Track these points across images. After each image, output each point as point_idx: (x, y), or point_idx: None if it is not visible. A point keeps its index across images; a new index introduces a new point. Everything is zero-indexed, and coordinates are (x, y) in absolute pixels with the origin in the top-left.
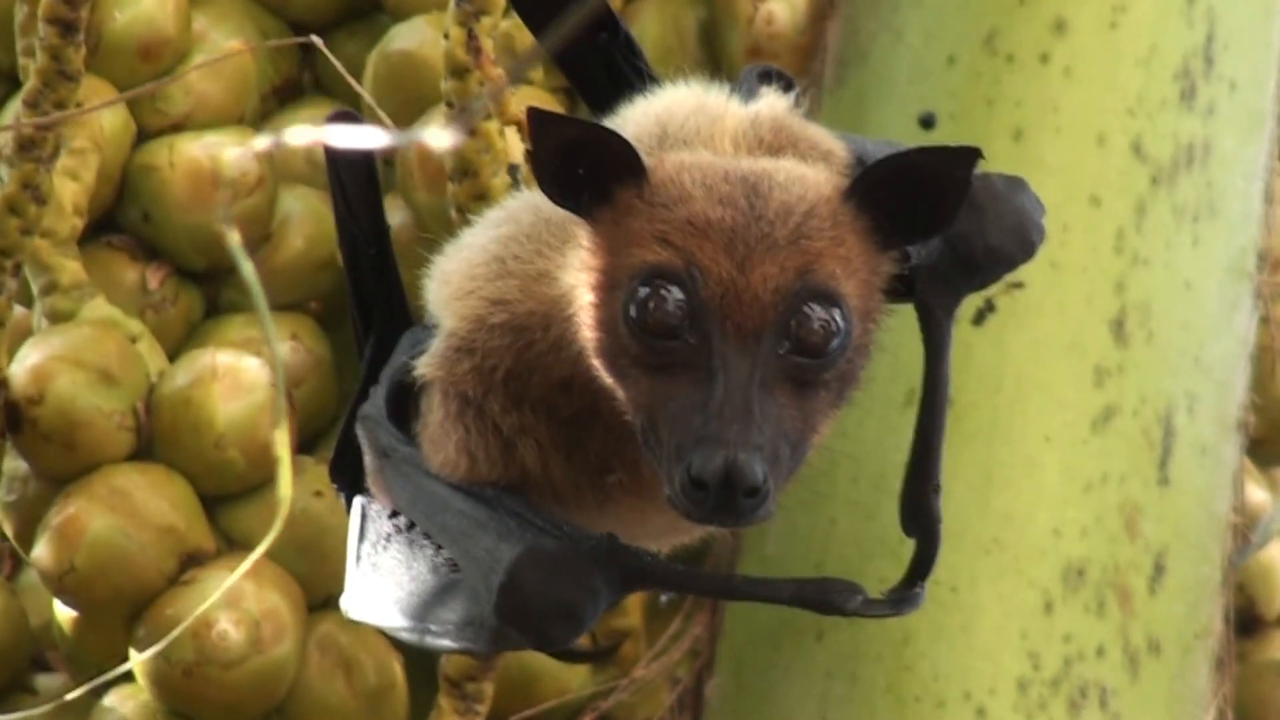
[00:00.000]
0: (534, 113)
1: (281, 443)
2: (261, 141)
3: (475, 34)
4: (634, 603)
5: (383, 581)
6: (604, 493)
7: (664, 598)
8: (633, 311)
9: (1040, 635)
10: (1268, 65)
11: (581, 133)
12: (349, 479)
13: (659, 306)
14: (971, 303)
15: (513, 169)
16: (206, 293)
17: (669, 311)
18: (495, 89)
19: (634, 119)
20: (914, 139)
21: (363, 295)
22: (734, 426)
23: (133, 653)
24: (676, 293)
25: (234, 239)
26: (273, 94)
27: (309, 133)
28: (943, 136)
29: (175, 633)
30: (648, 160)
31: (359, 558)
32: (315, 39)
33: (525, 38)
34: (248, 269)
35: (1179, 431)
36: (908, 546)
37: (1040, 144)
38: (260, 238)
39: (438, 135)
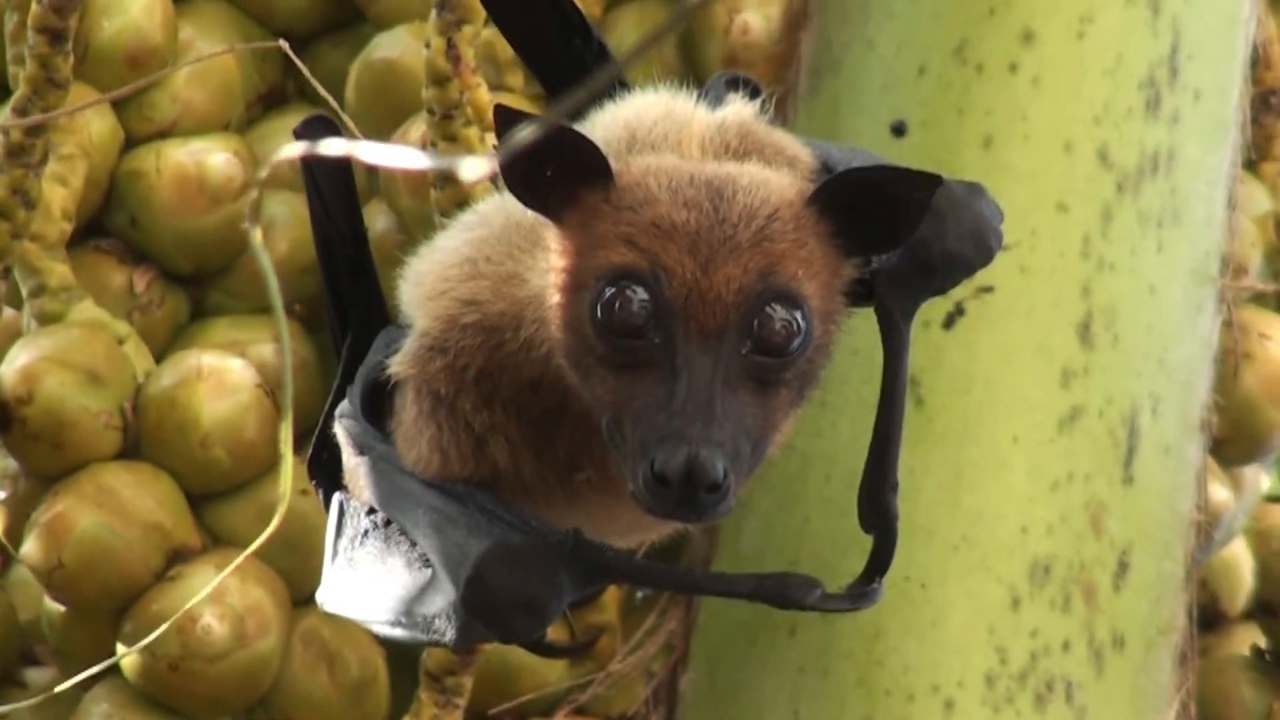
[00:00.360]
0: (501, 111)
1: (285, 439)
2: (293, 149)
3: (455, 43)
4: (610, 599)
5: (358, 575)
6: (572, 489)
7: (640, 594)
8: (599, 312)
9: (1007, 630)
10: (1231, 75)
11: (549, 136)
12: (327, 476)
13: (624, 307)
14: (942, 306)
15: (494, 176)
16: (192, 296)
17: (634, 312)
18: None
19: (603, 124)
20: (886, 146)
21: (339, 296)
22: (696, 424)
23: (120, 648)
24: (641, 293)
25: (257, 239)
26: (257, 101)
27: (340, 145)
28: (914, 144)
29: (161, 629)
30: (614, 164)
31: (336, 552)
32: (283, 43)
33: (505, 46)
34: (267, 266)
35: (1143, 432)
36: None
37: (1009, 151)
38: (245, 241)
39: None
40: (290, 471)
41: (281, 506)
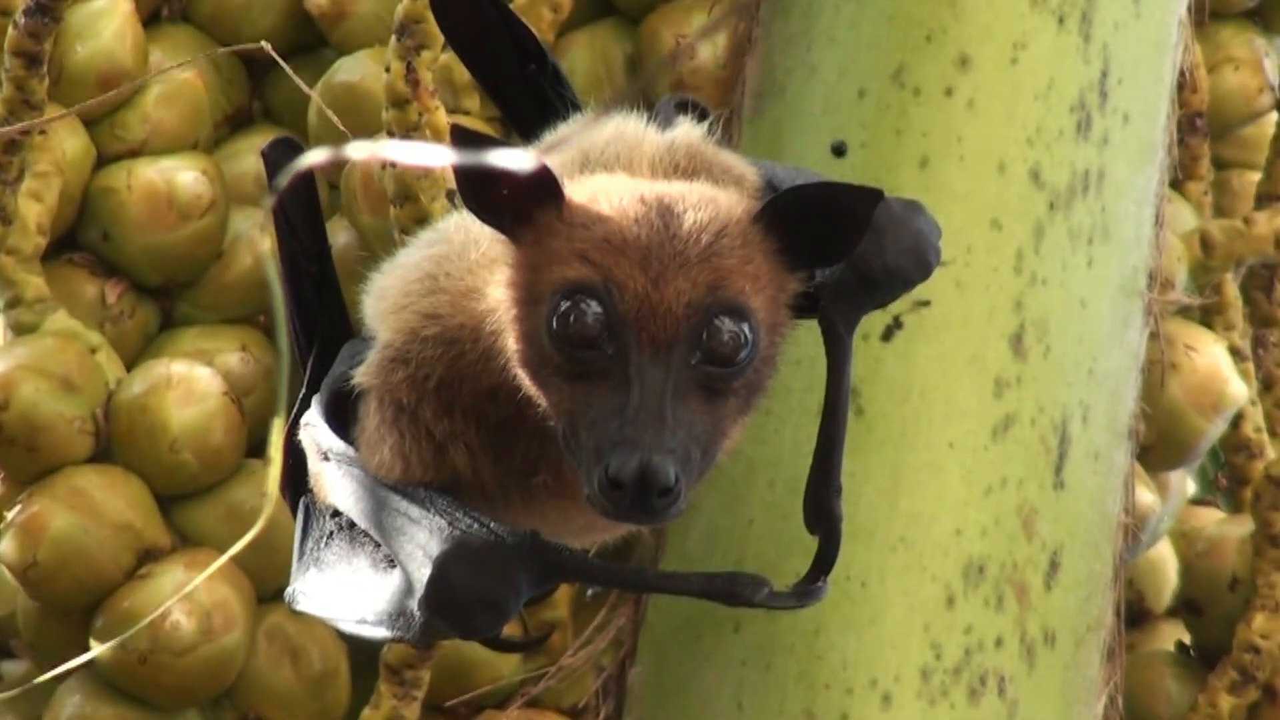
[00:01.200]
0: (458, 133)
1: (275, 445)
2: (317, 155)
3: (414, 67)
4: (562, 596)
5: (325, 576)
6: (530, 493)
7: (590, 592)
8: (554, 324)
9: (942, 627)
10: (1159, 99)
11: (504, 157)
12: (293, 481)
13: (579, 319)
14: (881, 320)
15: (451, 194)
16: (162, 307)
17: (588, 324)
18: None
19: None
20: (827, 167)
21: (304, 310)
22: (648, 431)
23: (92, 642)
24: (595, 306)
25: (266, 247)
26: (224, 122)
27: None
28: (854, 164)
29: (136, 627)
30: (566, 183)
31: (303, 554)
32: (265, 44)
33: (462, 71)
34: (272, 267)
35: (1074, 439)
36: None
37: (945, 171)
38: (212, 256)
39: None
40: (277, 476)
41: (267, 509)
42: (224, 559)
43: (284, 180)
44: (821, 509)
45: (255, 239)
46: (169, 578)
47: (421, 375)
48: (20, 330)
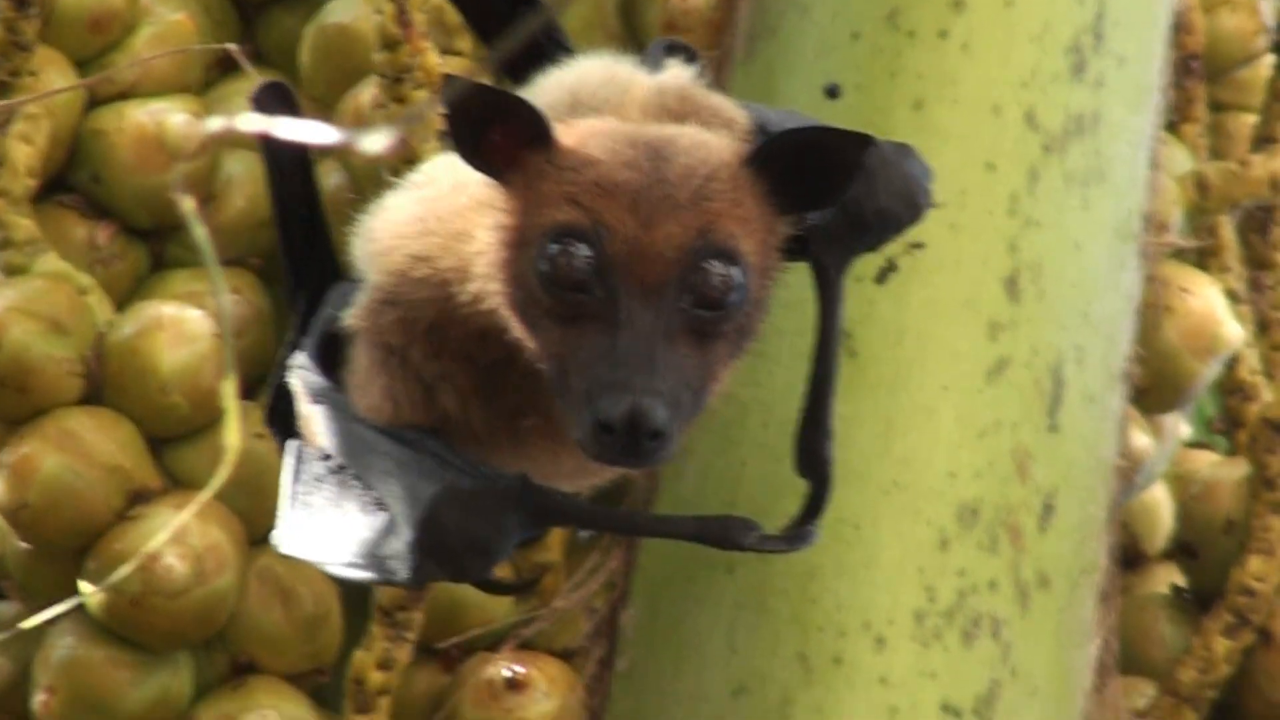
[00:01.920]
0: (447, 80)
1: (228, 393)
2: (214, 124)
3: (406, 8)
4: (555, 538)
5: (315, 519)
6: (519, 435)
7: (583, 535)
8: (543, 266)
9: (936, 570)
10: (1154, 41)
11: (492, 100)
12: (283, 424)
13: (568, 262)
14: (874, 262)
15: (441, 136)
16: (152, 249)
17: (577, 267)
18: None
19: (547, 88)
20: (820, 109)
21: (294, 253)
22: (638, 374)
23: (82, 583)
24: (584, 249)
25: (186, 202)
26: (215, 64)
27: (256, 121)
28: (847, 106)
29: (126, 568)
30: (556, 126)
31: (293, 497)
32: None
33: (454, 12)
34: (198, 229)
35: (1068, 381)
36: None
37: (939, 114)
38: (205, 198)
39: (374, 139)
40: (236, 422)
41: (230, 456)
42: (196, 504)
43: (272, 124)
44: (812, 453)
45: (177, 192)
46: (159, 519)
47: (411, 317)
48: (10, 272)
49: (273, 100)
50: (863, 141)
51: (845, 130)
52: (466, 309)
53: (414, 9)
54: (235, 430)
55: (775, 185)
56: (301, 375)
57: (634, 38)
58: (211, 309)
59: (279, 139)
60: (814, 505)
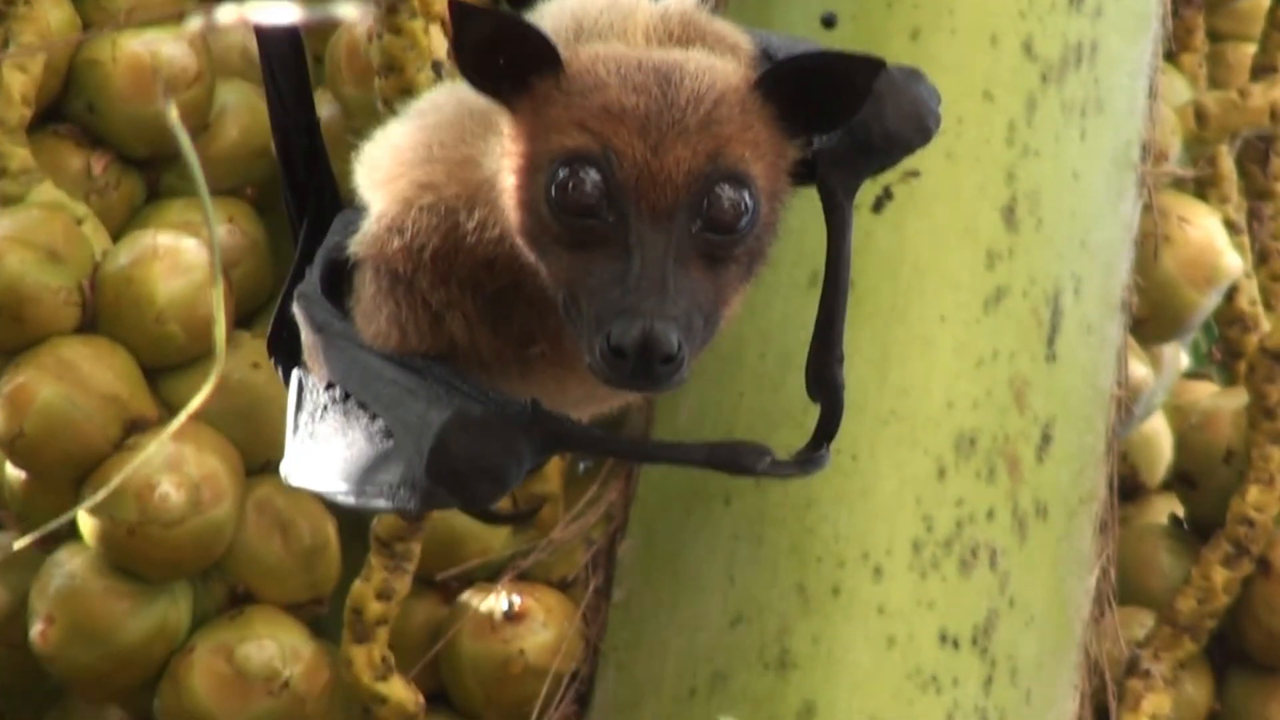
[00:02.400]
0: (455, 7)
1: (219, 315)
2: (193, 24)
3: None
4: (553, 469)
5: (320, 449)
6: (527, 363)
7: (581, 466)
8: (553, 192)
9: (934, 500)
10: None
11: (501, 26)
12: (286, 354)
13: (577, 187)
14: (870, 191)
15: (436, 65)
16: (147, 178)
17: (587, 192)
18: None
19: (551, 14)
20: (816, 38)
21: (295, 182)
22: (650, 299)
23: (81, 514)
24: (594, 174)
25: (179, 128)
26: None
27: (232, 11)
28: (843, 36)
29: (113, 485)
30: (564, 52)
31: (297, 427)
32: None
33: None
34: (191, 156)
35: (1066, 311)
36: (811, 416)
37: (936, 43)
38: (199, 128)
39: (353, 10)
40: (224, 339)
41: (215, 372)
42: (178, 421)
43: (275, 54)
44: (823, 377)
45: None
46: (156, 448)
47: (417, 245)
48: (6, 202)
49: (275, 29)
50: (873, 65)
51: (855, 54)
52: (473, 236)
53: None
54: (222, 342)
55: (784, 109)
56: (305, 304)
57: None
58: (207, 238)
59: (280, 65)
60: (826, 428)
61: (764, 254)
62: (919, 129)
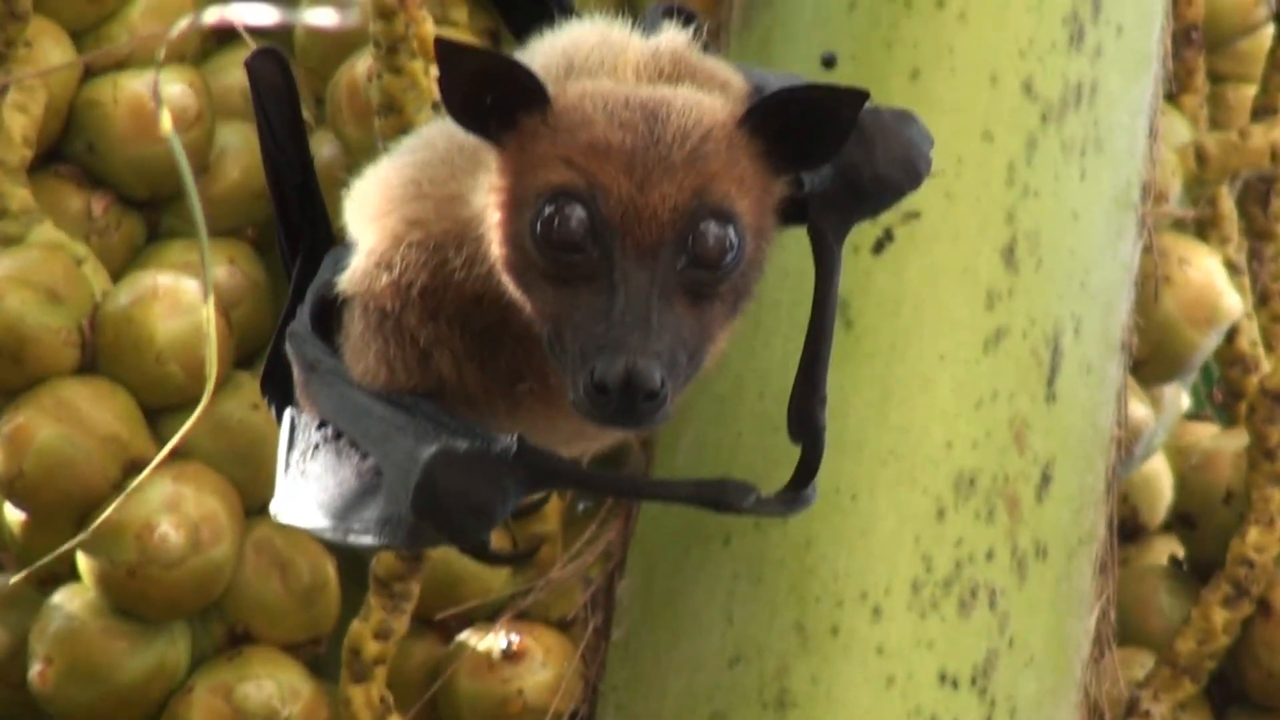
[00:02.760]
0: (441, 43)
1: (210, 358)
2: (180, 24)
3: None
4: (552, 509)
5: (311, 487)
6: (515, 400)
7: (580, 505)
8: (538, 228)
9: (933, 540)
10: (1153, 10)
11: (487, 63)
12: (279, 392)
13: (563, 223)
14: (870, 232)
15: (436, 105)
16: (148, 219)
17: (572, 228)
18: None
19: (541, 51)
20: (816, 78)
21: (289, 221)
22: (634, 335)
23: (80, 556)
24: (579, 210)
25: (186, 171)
26: (211, 35)
27: (215, 14)
28: (843, 76)
29: (103, 517)
30: (552, 88)
31: (288, 465)
32: None
33: None
34: (193, 198)
35: (1066, 351)
36: None
37: (936, 83)
38: (199, 169)
39: (322, 15)
40: (214, 365)
41: (202, 403)
42: (162, 454)
43: (268, 92)
44: (805, 418)
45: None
46: (156, 489)
47: (405, 281)
48: (6, 242)
49: (267, 66)
50: (857, 97)
51: (839, 86)
52: (461, 272)
53: None
54: (212, 367)
55: (771, 145)
56: (296, 342)
57: (632, 5)
58: (205, 273)
59: (273, 103)
60: (805, 470)
61: (750, 291)
62: (909, 173)
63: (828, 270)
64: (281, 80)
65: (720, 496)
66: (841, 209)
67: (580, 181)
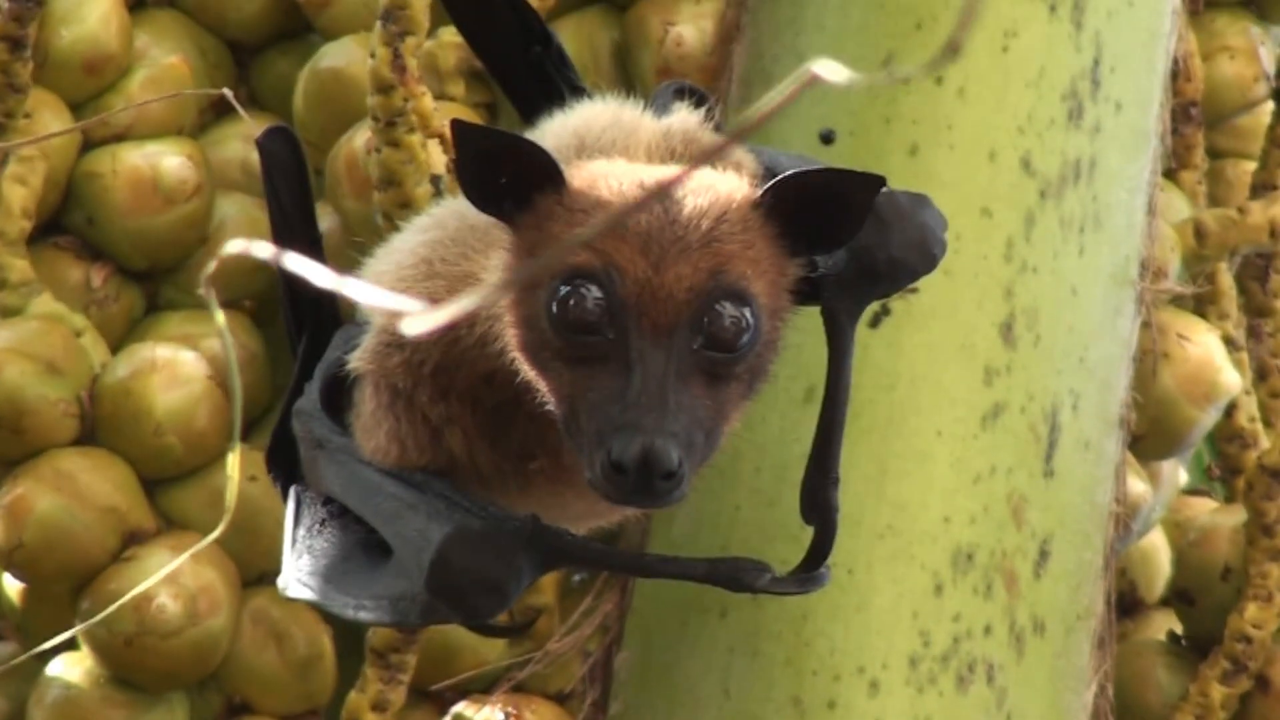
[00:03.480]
0: (457, 125)
1: (232, 464)
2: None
3: (400, 53)
4: (548, 581)
5: (318, 563)
6: (526, 478)
7: (576, 577)
8: (554, 309)
9: (931, 615)
10: (1151, 87)
11: (502, 143)
12: (285, 469)
13: (579, 304)
14: (868, 307)
15: (435, 179)
16: (146, 291)
17: (588, 309)
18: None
19: (553, 131)
20: (815, 154)
21: (295, 296)
22: (651, 415)
23: (78, 624)
24: (595, 291)
25: (211, 296)
26: (210, 107)
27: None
28: (841, 152)
29: (114, 606)
30: (566, 168)
31: (294, 541)
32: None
33: (448, 57)
34: (219, 318)
35: (1064, 427)
36: (807, 531)
37: (934, 159)
38: (197, 240)
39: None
40: (237, 477)
41: (228, 512)
42: (194, 550)
43: (278, 168)
44: (818, 499)
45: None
46: (154, 560)
47: (417, 360)
48: (5, 313)
49: (279, 144)
50: (873, 182)
51: (856, 171)
52: (473, 351)
53: (408, 53)
54: (234, 492)
55: (786, 227)
56: (304, 420)
57: (629, 83)
58: (206, 351)
59: (282, 181)
60: (818, 551)
61: (765, 371)
62: (924, 256)
63: (841, 351)
64: (291, 157)
65: (736, 575)
66: (855, 290)
67: (596, 262)
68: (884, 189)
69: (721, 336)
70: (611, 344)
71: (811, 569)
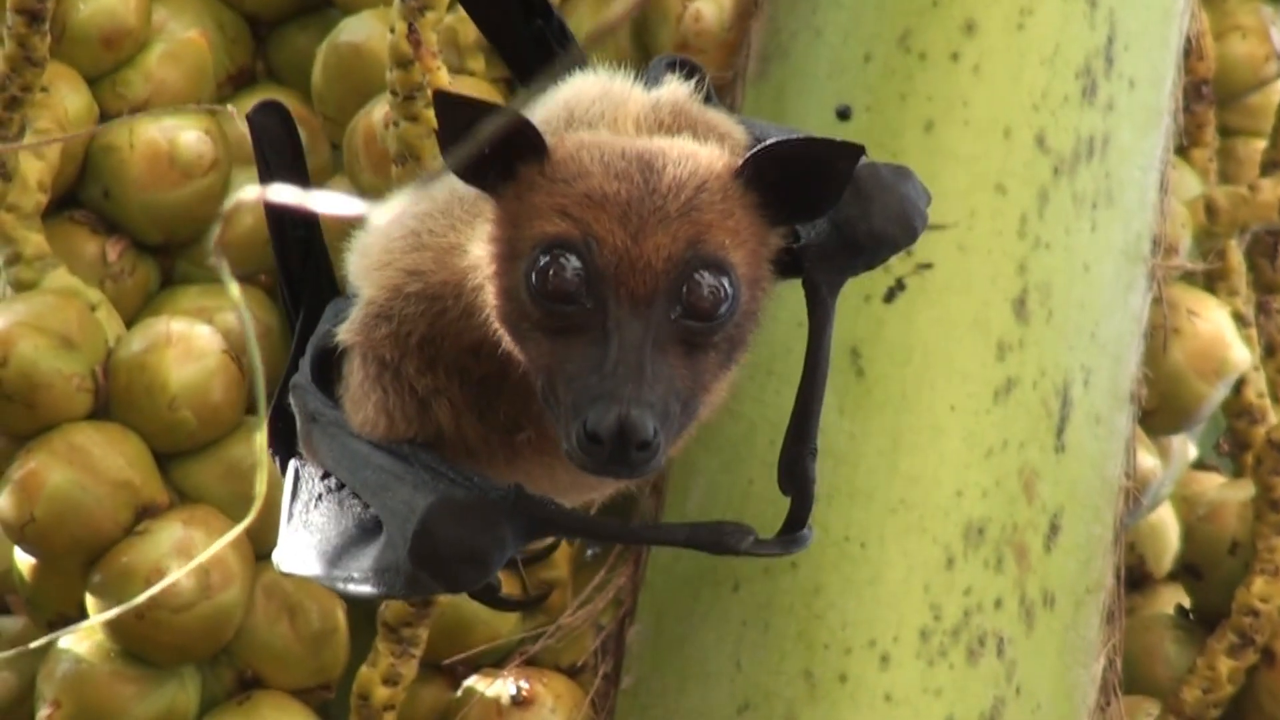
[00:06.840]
0: (439, 95)
1: (260, 445)
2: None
3: (418, 28)
4: (562, 555)
5: (312, 537)
6: (513, 449)
7: (590, 551)
8: (534, 279)
9: (942, 588)
10: (1165, 65)
11: (485, 114)
12: (284, 443)
13: (558, 274)
14: (883, 281)
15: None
16: (162, 265)
17: (567, 279)
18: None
19: (545, 103)
20: (831, 130)
21: (290, 273)
22: (627, 385)
23: (89, 600)
24: (574, 261)
25: (224, 267)
26: (227, 81)
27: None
28: (858, 128)
29: (141, 598)
30: (549, 139)
31: (291, 516)
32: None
33: (468, 31)
34: (233, 289)
35: (1075, 402)
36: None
37: (950, 136)
38: (214, 214)
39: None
40: (265, 472)
41: (256, 503)
42: (226, 539)
43: (270, 143)
44: (795, 469)
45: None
46: (167, 534)
47: (404, 331)
48: (20, 287)
49: (269, 119)
50: (851, 150)
51: (833, 140)
52: (459, 323)
53: (426, 28)
54: (264, 480)
55: (766, 197)
56: (298, 394)
57: (648, 60)
58: (220, 325)
59: (275, 154)
60: (794, 521)
61: (745, 342)
62: (905, 228)
63: (821, 323)
64: (284, 131)
65: (717, 538)
66: (836, 262)
67: (575, 232)
68: (866, 162)
69: (700, 306)
70: (590, 314)
71: (790, 534)
